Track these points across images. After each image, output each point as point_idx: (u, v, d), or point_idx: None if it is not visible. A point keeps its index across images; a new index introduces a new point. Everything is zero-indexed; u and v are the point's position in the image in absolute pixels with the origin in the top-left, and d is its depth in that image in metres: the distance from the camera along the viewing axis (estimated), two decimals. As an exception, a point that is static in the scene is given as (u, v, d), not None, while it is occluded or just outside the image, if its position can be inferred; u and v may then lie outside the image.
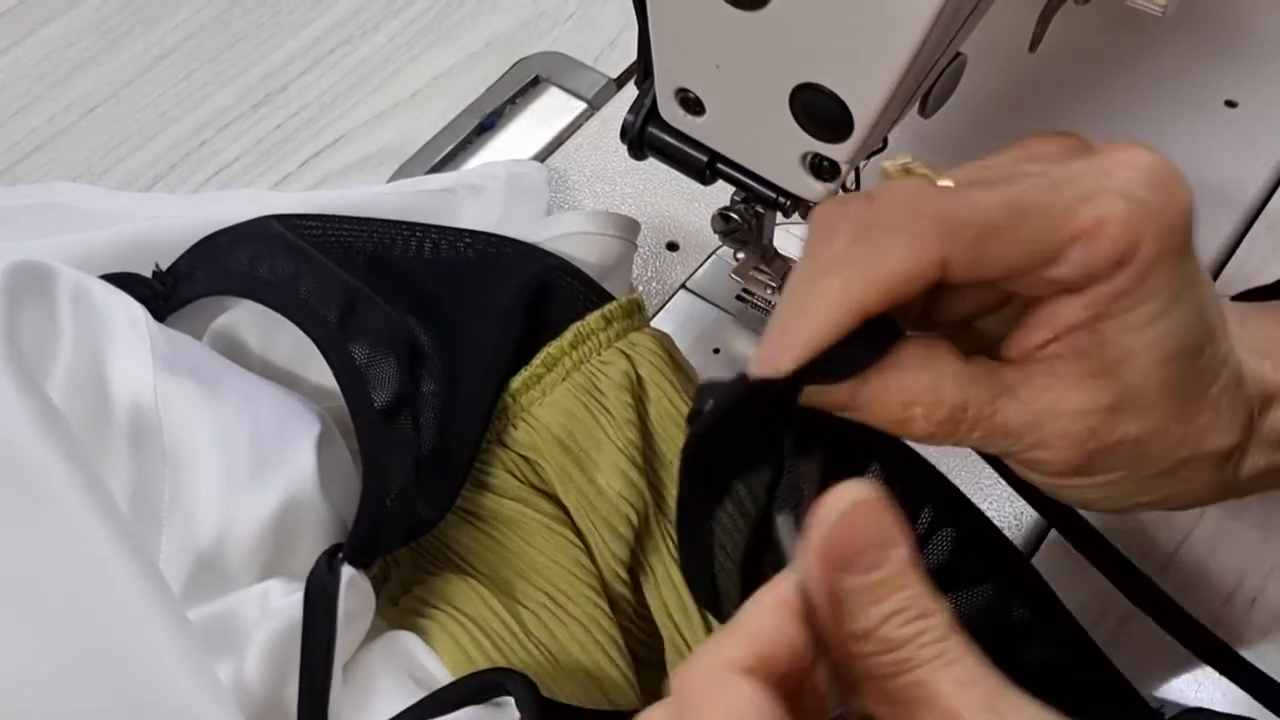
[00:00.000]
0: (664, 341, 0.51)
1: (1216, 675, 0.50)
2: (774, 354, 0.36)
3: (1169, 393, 0.38)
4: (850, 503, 0.31)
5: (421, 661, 0.45)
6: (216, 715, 0.39)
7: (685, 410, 0.49)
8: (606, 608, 0.46)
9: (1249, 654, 0.50)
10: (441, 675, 0.44)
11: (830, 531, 0.31)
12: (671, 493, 0.48)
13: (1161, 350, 0.38)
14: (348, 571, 0.43)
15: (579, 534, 0.47)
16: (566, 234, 0.53)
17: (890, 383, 0.38)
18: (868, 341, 0.36)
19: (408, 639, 0.45)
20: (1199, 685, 0.50)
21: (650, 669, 0.47)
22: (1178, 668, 0.50)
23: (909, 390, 0.37)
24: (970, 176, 0.38)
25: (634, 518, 0.47)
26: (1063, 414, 0.38)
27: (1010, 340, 0.39)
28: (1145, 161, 0.37)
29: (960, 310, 0.40)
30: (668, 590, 0.46)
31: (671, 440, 0.48)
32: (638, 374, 0.49)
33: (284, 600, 0.43)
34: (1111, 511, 0.43)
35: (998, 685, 0.30)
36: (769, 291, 0.58)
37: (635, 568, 0.47)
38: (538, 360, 0.48)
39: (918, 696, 0.30)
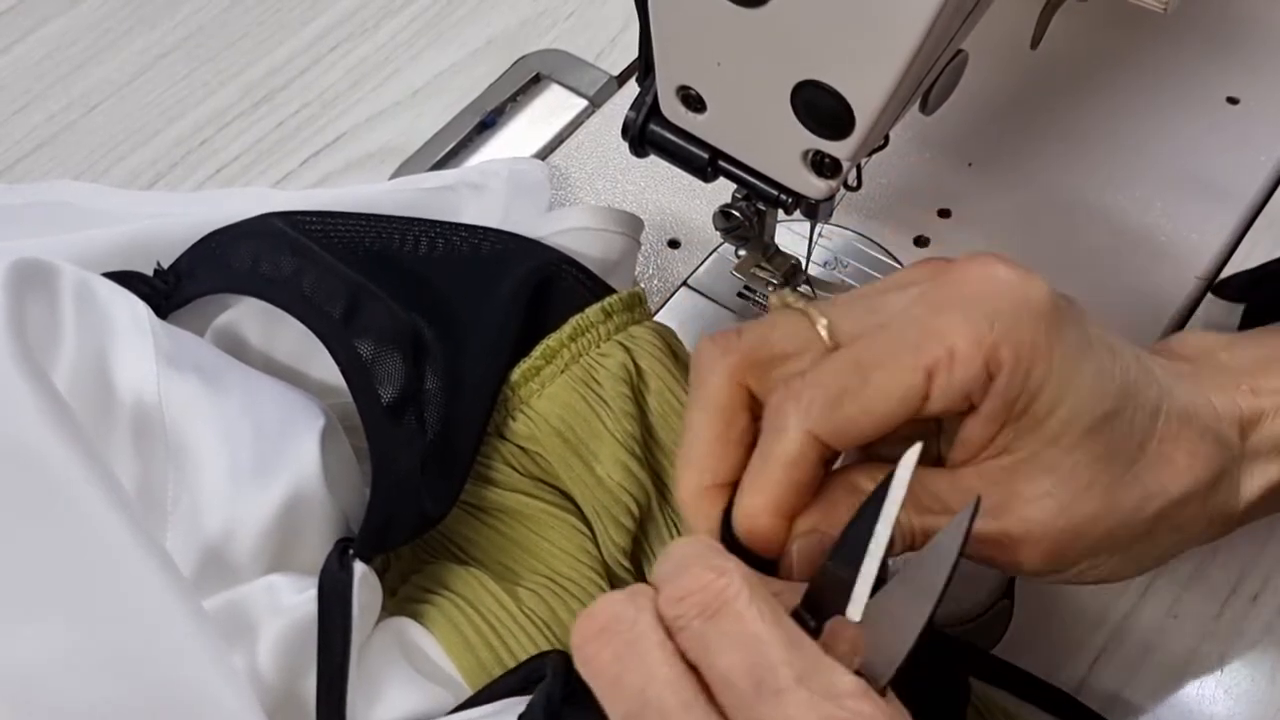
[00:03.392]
0: (664, 333, 0.51)
1: (1218, 674, 0.50)
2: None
3: (1105, 464, 0.39)
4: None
5: (418, 644, 0.45)
6: (238, 707, 0.39)
7: (685, 400, 0.49)
8: (608, 588, 0.46)
9: (1251, 652, 0.50)
10: (437, 657, 0.44)
11: None
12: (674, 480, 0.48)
13: (1076, 430, 0.38)
14: (360, 568, 0.43)
15: (584, 520, 0.47)
16: (569, 229, 0.53)
17: None
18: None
19: (403, 624, 0.45)
20: (1200, 682, 0.50)
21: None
22: (1177, 662, 0.50)
23: None
24: (842, 313, 0.40)
25: (634, 507, 0.47)
26: (1013, 510, 0.39)
27: (950, 454, 0.40)
28: (989, 272, 0.39)
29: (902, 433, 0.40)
30: None
31: (673, 430, 0.48)
32: (637, 366, 0.49)
33: (296, 597, 0.43)
34: (1131, 578, 0.43)
35: None
36: (770, 289, 0.58)
37: (638, 552, 0.47)
38: (536, 352, 0.49)
39: None
